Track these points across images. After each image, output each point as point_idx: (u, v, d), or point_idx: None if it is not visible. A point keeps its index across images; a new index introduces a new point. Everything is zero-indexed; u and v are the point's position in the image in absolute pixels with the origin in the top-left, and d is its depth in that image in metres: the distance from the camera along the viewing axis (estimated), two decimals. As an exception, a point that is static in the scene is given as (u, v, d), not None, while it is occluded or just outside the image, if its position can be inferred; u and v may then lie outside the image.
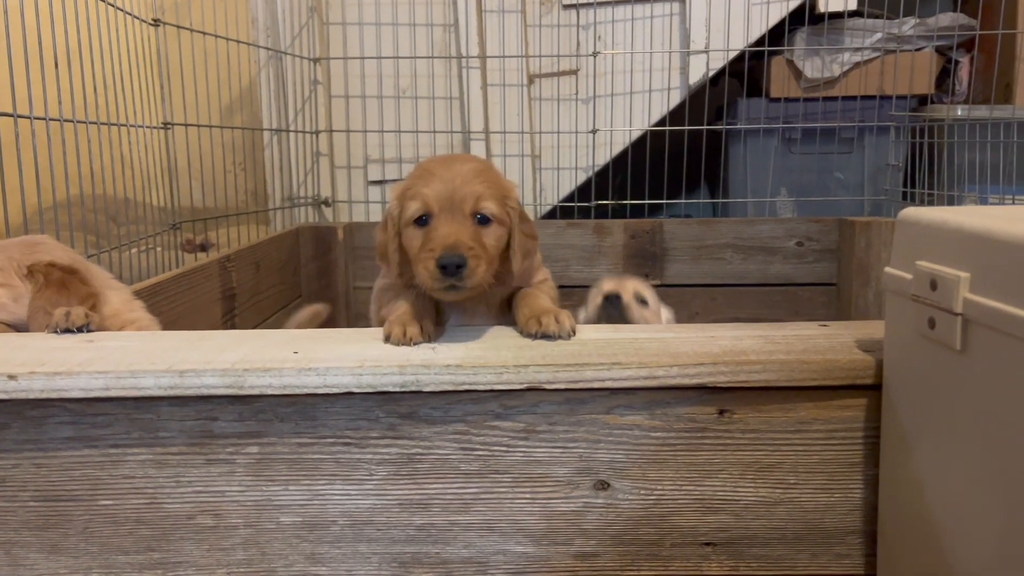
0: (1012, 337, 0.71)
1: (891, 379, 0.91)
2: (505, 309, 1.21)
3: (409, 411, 0.97)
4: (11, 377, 0.91)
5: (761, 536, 0.99)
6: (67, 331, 1.09)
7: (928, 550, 0.85)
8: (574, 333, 1.06)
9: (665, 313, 1.42)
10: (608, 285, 1.35)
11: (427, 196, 1.10)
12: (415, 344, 1.02)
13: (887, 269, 0.90)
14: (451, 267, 1.05)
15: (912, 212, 0.87)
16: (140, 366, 0.93)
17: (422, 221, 1.12)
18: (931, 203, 2.42)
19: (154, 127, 1.92)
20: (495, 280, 1.13)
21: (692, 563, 1.00)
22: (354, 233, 2.56)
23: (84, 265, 1.27)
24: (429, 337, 1.04)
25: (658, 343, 1.01)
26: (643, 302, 1.35)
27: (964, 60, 2.67)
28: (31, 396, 0.92)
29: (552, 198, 2.74)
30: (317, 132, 2.72)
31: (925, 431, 0.85)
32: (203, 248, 2.62)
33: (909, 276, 0.85)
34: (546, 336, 1.04)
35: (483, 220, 1.12)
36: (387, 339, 1.03)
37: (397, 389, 0.94)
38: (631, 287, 1.40)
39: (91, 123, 1.62)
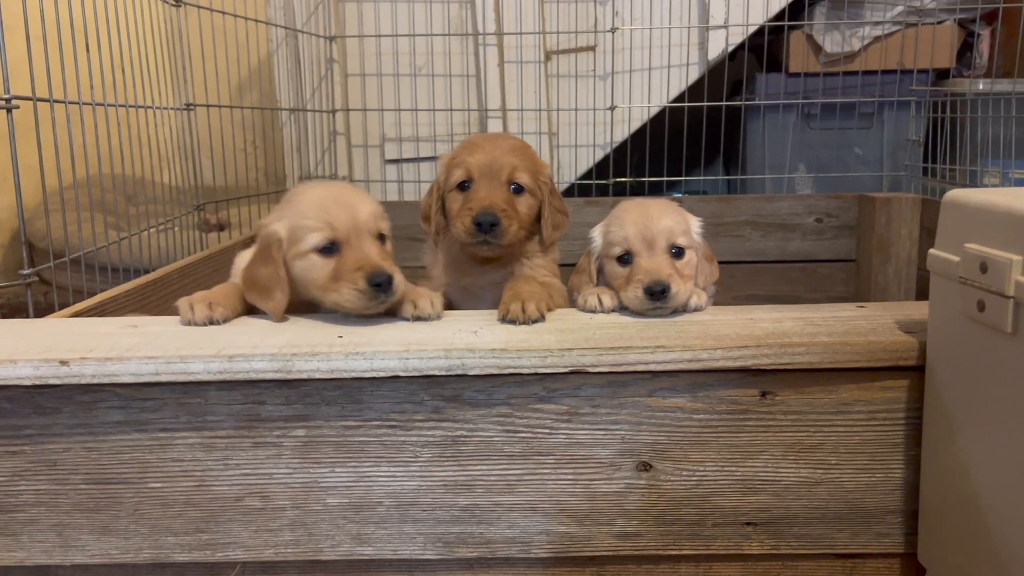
0: (1067, 321, 0.71)
1: (936, 361, 0.92)
2: None
3: (453, 394, 0.97)
4: (63, 363, 0.92)
5: (802, 516, 1.00)
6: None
7: (972, 530, 0.86)
8: (540, 319, 1.06)
9: (694, 224, 1.19)
10: (644, 263, 1.10)
11: (470, 164, 1.27)
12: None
13: (932, 251, 0.90)
14: (485, 224, 1.22)
15: (959, 194, 0.87)
16: (189, 351, 0.94)
17: (464, 186, 1.28)
18: (952, 179, 2.41)
19: (178, 108, 1.92)
20: (526, 240, 1.31)
21: (733, 542, 1.01)
22: (372, 212, 2.55)
23: None
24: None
25: (699, 326, 1.02)
26: (679, 252, 1.14)
27: (985, 33, 2.64)
28: (83, 381, 0.93)
29: (570, 175, 2.73)
30: (333, 111, 2.71)
31: (971, 413, 0.86)
32: (221, 228, 2.63)
33: (956, 258, 0.85)
34: (510, 322, 1.05)
35: (517, 189, 1.29)
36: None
37: (442, 373, 0.95)
38: (664, 245, 1.14)
39: (119, 106, 1.62)
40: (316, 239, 1.07)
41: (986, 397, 0.83)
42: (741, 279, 2.48)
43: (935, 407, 0.92)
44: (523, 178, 1.28)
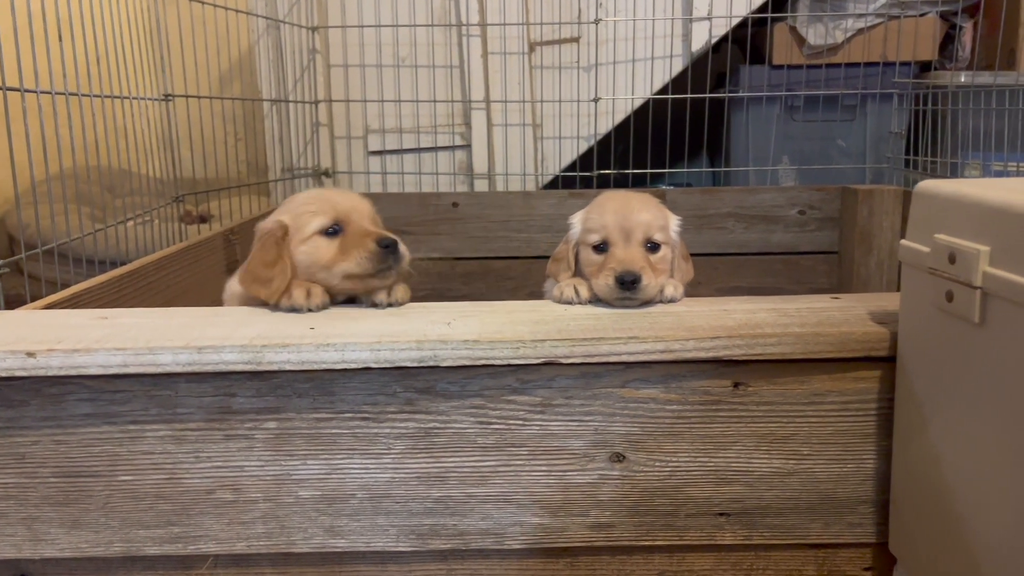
0: (1032, 311, 0.71)
1: (906, 351, 0.92)
2: None
3: (426, 386, 0.97)
4: (30, 354, 0.91)
5: (774, 506, 1.00)
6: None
7: (942, 520, 0.86)
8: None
9: (673, 222, 1.21)
10: (619, 253, 1.11)
11: None
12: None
13: (903, 242, 0.90)
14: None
15: (930, 184, 0.87)
16: (158, 343, 0.93)
17: None
18: (934, 171, 2.42)
19: (155, 99, 1.90)
20: None
21: (706, 533, 1.01)
22: (355, 204, 2.54)
23: None
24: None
25: (672, 317, 1.02)
26: (654, 247, 1.15)
27: (968, 26, 2.65)
28: (50, 373, 0.92)
29: (554, 167, 2.72)
30: (316, 102, 2.70)
31: (941, 403, 0.86)
32: (203, 220, 2.62)
33: (926, 249, 0.85)
34: None
35: None
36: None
37: (415, 364, 0.94)
38: (640, 237, 1.14)
39: (94, 96, 1.61)
40: (320, 221, 1.13)
41: (955, 387, 0.83)
42: (724, 271, 2.48)
43: (906, 397, 0.92)
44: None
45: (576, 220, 1.23)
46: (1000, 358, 0.76)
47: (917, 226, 0.89)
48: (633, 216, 1.15)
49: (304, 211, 1.15)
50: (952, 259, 0.81)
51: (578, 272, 1.20)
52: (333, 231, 1.13)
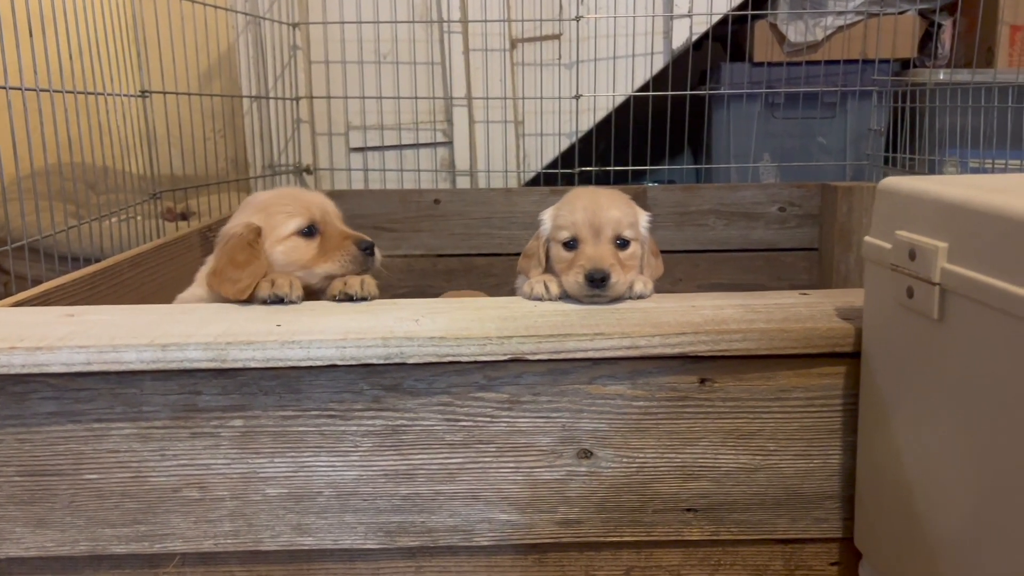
0: (989, 307, 0.72)
1: (870, 347, 0.92)
2: None
3: (393, 383, 0.97)
4: (-9, 353, 0.90)
5: (741, 502, 1.01)
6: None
7: (904, 514, 0.87)
8: None
9: (643, 218, 1.21)
10: (588, 250, 1.12)
11: None
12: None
13: (867, 238, 0.91)
14: None
15: (892, 181, 0.88)
16: (122, 340, 0.93)
17: None
18: (912, 168, 2.43)
19: (131, 95, 1.89)
20: None
21: (673, 528, 1.02)
22: (337, 201, 2.53)
23: None
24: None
25: (640, 313, 1.02)
26: (624, 244, 1.16)
27: (947, 23, 2.66)
28: (12, 371, 0.91)
29: (535, 164, 2.72)
30: (297, 99, 2.69)
31: (903, 398, 0.86)
32: (184, 217, 2.60)
33: (888, 245, 0.86)
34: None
35: None
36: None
37: (381, 361, 0.94)
38: (610, 234, 1.15)
39: (67, 92, 1.59)
40: (298, 222, 1.19)
41: (916, 383, 0.84)
42: (705, 268, 2.48)
43: (870, 393, 0.93)
44: None
45: (547, 217, 1.23)
46: (958, 354, 0.77)
47: (880, 222, 0.89)
48: (602, 213, 1.15)
49: (279, 211, 1.19)
50: (912, 255, 0.81)
51: (549, 268, 1.20)
52: (309, 231, 1.19)
